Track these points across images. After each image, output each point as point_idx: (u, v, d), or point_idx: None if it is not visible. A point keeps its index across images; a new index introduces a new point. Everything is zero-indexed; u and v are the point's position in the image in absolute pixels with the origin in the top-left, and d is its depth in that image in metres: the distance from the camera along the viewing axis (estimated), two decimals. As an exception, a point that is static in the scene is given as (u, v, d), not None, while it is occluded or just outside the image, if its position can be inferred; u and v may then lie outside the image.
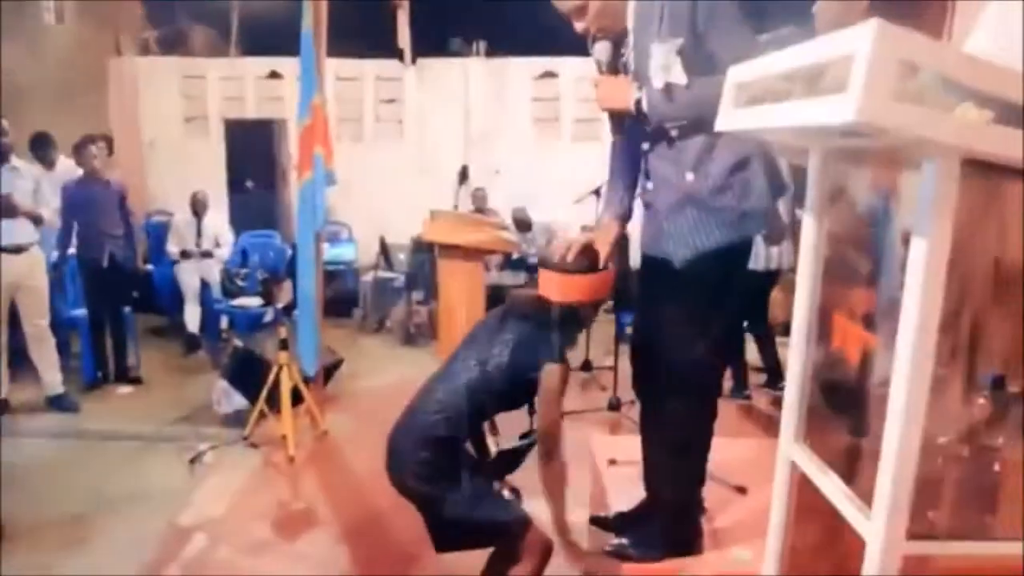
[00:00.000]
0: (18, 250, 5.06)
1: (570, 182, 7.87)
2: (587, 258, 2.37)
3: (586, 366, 5.89)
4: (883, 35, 1.03)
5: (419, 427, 2.32)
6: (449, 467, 2.28)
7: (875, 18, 1.03)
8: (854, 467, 1.48)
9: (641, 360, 2.64)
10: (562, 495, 2.32)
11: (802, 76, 1.34)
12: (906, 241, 1.21)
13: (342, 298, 7.76)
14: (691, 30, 2.09)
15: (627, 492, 2.85)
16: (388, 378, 6.08)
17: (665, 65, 2.10)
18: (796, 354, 1.59)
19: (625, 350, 5.10)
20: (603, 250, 2.43)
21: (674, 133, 2.23)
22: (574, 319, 2.36)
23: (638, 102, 2.20)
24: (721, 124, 1.60)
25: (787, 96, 1.46)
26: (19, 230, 5.06)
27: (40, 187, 5.24)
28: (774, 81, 1.48)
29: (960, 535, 1.26)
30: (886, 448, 1.20)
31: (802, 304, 1.58)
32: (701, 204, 2.21)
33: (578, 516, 3.66)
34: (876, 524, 1.22)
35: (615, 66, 2.32)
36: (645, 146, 2.36)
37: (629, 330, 5.89)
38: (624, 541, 2.51)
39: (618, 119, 2.35)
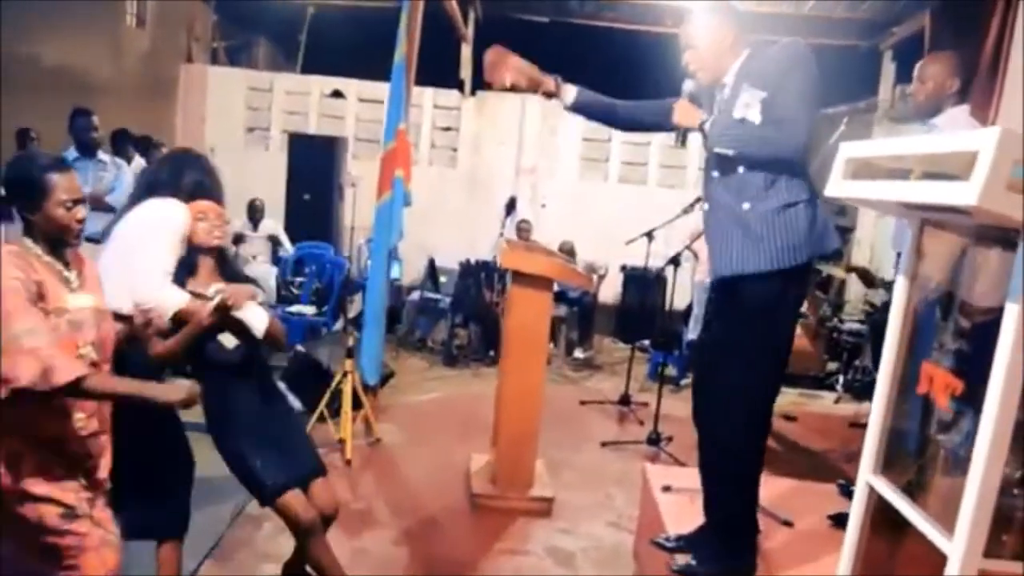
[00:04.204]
0: (97, 242, 5.32)
1: (613, 221, 8.16)
2: None
3: (624, 400, 6.11)
4: (1004, 138, 1.27)
5: None
6: None
7: (997, 125, 1.28)
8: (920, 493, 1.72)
9: (698, 385, 2.89)
10: None
11: (917, 160, 1.59)
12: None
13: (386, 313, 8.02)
14: (773, 88, 2.45)
15: (681, 517, 3.04)
16: (432, 394, 6.34)
17: (748, 104, 2.48)
18: (881, 397, 1.83)
19: (665, 389, 5.39)
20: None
21: (741, 169, 2.55)
22: None
23: (703, 123, 2.60)
24: (831, 191, 1.85)
25: (887, 173, 1.72)
26: (99, 221, 5.31)
27: (121, 175, 5.48)
28: (885, 160, 1.73)
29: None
30: (971, 478, 1.43)
31: (891, 353, 1.81)
32: (748, 231, 2.52)
33: (623, 539, 3.91)
34: (958, 543, 1.45)
35: (695, 99, 2.69)
36: (715, 174, 2.66)
37: (669, 369, 6.17)
38: (691, 561, 2.72)
39: (683, 133, 2.76)
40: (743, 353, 2.56)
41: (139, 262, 2.73)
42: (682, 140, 2.79)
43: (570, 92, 2.87)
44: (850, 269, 7.43)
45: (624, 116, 3.00)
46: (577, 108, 2.92)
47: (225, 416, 2.85)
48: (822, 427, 5.93)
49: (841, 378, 7.17)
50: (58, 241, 2.15)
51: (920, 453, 1.80)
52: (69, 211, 2.12)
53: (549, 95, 2.88)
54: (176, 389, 2.17)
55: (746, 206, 2.53)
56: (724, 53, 2.59)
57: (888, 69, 8.53)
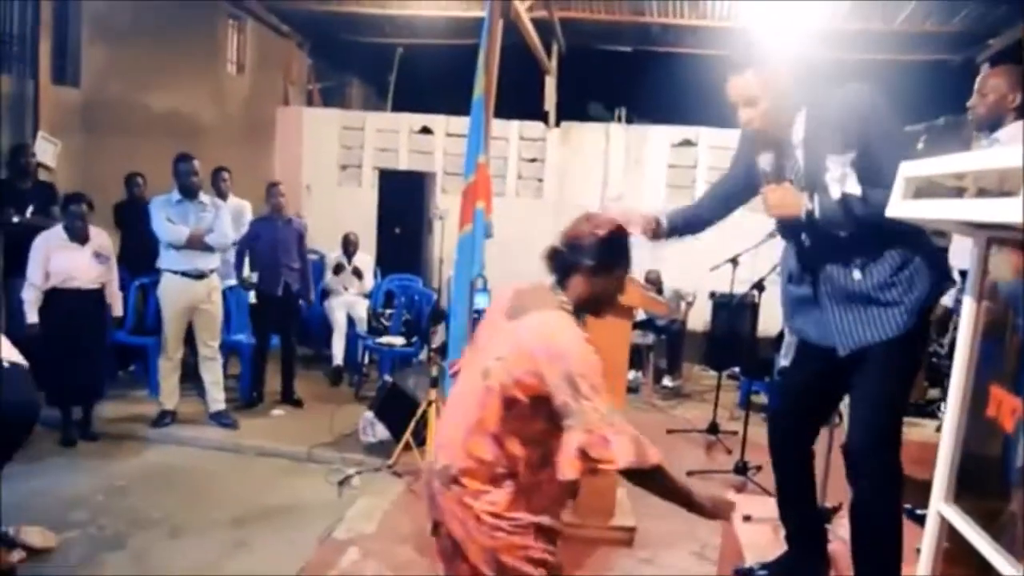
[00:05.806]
0: (199, 276, 5.61)
1: (701, 248, 8.02)
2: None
3: (712, 429, 6.01)
4: (1052, 152, 1.24)
5: None
6: None
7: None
8: (995, 523, 1.65)
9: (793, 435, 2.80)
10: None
11: (972, 176, 1.55)
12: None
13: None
14: (861, 144, 2.28)
15: (761, 546, 2.99)
16: (518, 423, 6.35)
17: (841, 177, 2.31)
18: (951, 422, 1.77)
19: (753, 417, 5.28)
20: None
21: (843, 234, 2.37)
22: None
23: (810, 211, 2.35)
24: (892, 212, 1.81)
25: (950, 192, 1.68)
26: (200, 257, 5.61)
27: (220, 215, 5.76)
28: (941, 178, 1.69)
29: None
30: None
31: (959, 377, 1.76)
32: (865, 302, 2.37)
33: (706, 570, 3.85)
34: (1025, 572, 1.39)
35: (780, 175, 2.47)
36: (806, 242, 2.50)
37: (759, 396, 6.02)
38: None
39: (787, 224, 2.53)
40: (880, 411, 2.49)
41: None
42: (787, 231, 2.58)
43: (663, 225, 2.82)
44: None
45: (708, 213, 2.93)
46: (673, 233, 2.88)
47: None
48: (921, 457, 5.62)
49: (943, 405, 6.85)
50: (590, 310, 2.13)
51: (1011, 480, 1.73)
52: (623, 287, 2.14)
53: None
54: (722, 508, 2.09)
55: (857, 275, 2.38)
56: (786, 108, 2.41)
57: (987, 83, 8.21)
